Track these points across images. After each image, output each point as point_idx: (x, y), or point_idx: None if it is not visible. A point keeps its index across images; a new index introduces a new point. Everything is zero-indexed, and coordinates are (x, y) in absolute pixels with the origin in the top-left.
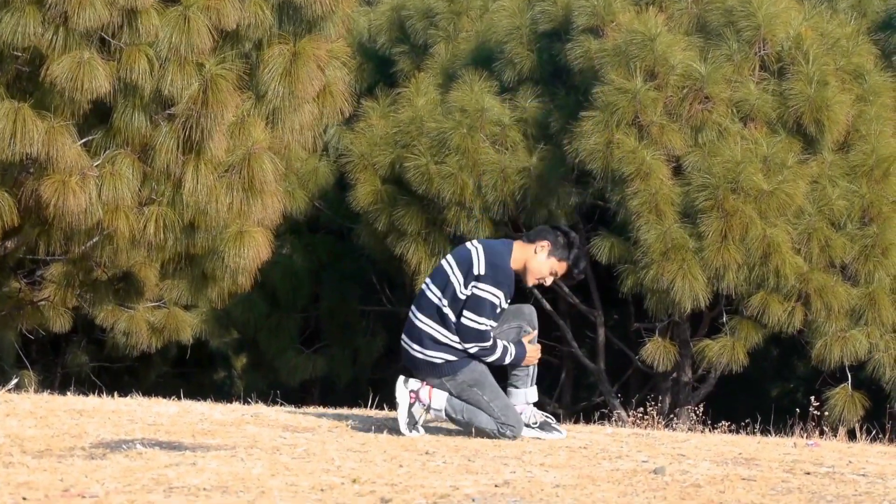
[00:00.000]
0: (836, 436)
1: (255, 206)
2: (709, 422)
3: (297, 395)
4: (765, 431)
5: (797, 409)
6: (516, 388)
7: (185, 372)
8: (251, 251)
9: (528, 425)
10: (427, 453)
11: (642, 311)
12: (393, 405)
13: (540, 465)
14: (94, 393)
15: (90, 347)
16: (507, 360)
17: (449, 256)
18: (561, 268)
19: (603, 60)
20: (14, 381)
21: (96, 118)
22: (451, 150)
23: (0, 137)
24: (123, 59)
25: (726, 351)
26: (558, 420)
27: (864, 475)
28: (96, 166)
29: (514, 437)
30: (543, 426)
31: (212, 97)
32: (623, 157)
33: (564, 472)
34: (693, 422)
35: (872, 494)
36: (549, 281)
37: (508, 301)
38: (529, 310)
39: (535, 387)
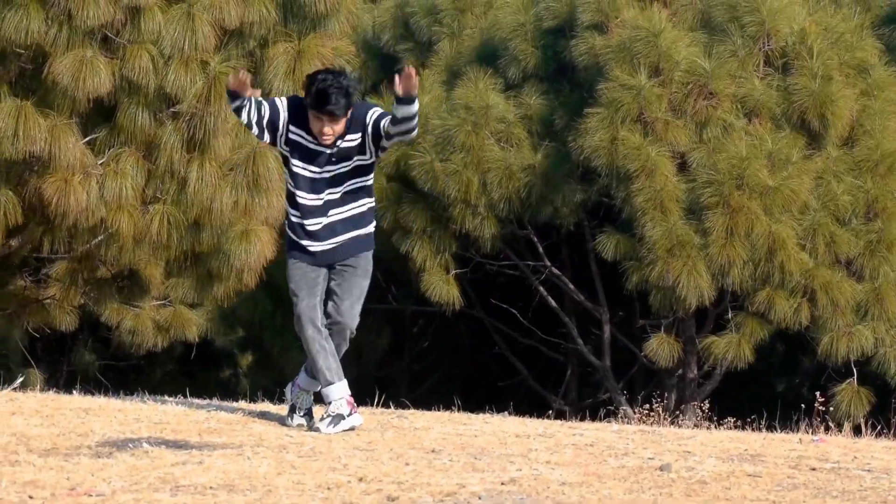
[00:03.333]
0: (841, 431)
1: (260, 205)
2: (714, 418)
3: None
4: (770, 427)
5: (803, 405)
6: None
7: (190, 370)
8: (256, 249)
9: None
10: (433, 451)
11: (647, 307)
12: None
13: (546, 462)
14: (99, 391)
15: (96, 346)
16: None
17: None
18: (313, 114)
19: (607, 57)
20: (20, 379)
21: (100, 116)
22: (455, 148)
23: (3, 135)
24: (127, 57)
25: (732, 347)
26: (563, 417)
27: (869, 470)
28: (100, 164)
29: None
30: (291, 408)
31: (216, 95)
32: (628, 154)
33: (570, 470)
34: (699, 418)
35: (877, 490)
36: (323, 130)
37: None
38: None
39: (313, 380)
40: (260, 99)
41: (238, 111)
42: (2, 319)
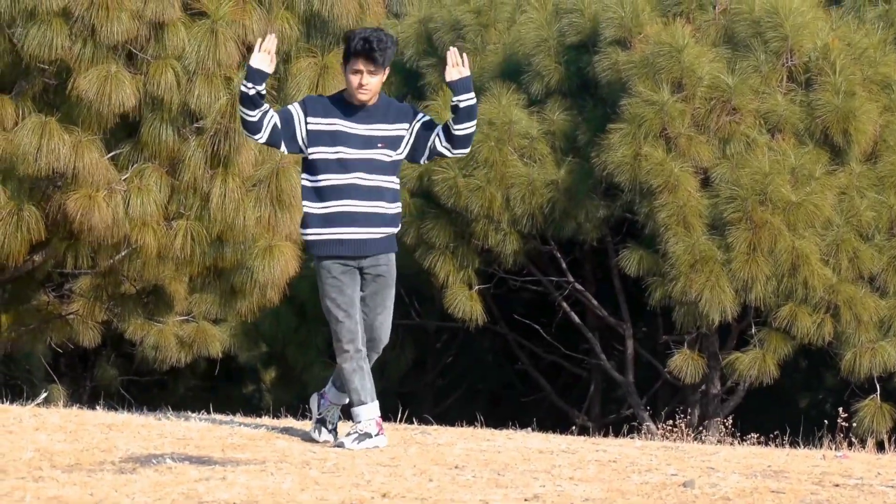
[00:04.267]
0: (864, 447)
1: (283, 221)
2: (738, 434)
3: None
4: (794, 443)
5: (826, 421)
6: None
7: (213, 385)
8: (280, 265)
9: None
10: (457, 467)
11: (671, 323)
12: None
13: (569, 478)
14: (123, 407)
15: (119, 361)
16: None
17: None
18: (352, 65)
19: (630, 72)
20: (43, 395)
21: (124, 132)
22: (479, 163)
23: (27, 151)
24: (150, 73)
25: (756, 363)
26: (586, 433)
27: (893, 486)
28: (124, 180)
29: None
30: (320, 422)
31: None
32: (651, 170)
33: (594, 486)
34: (722, 434)
35: None
36: (361, 82)
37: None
38: None
39: (342, 393)
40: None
41: (250, 102)
42: (25, 335)
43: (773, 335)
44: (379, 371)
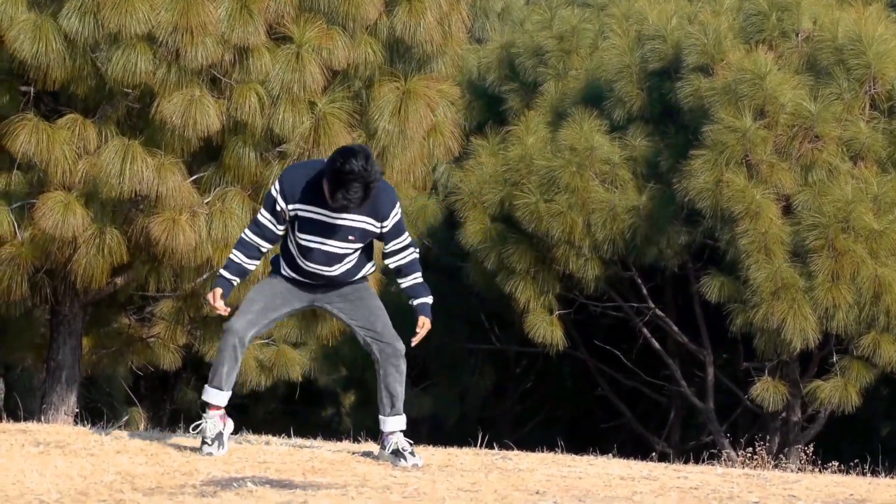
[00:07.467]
0: None
1: None
2: (818, 462)
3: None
4: (875, 472)
5: None
6: (381, 415)
7: (293, 409)
8: None
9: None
10: (538, 493)
11: (751, 350)
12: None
13: None
14: None
15: (199, 384)
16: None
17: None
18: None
19: (712, 99)
20: (124, 418)
21: (206, 155)
22: (560, 189)
23: (110, 174)
24: (234, 97)
25: (838, 391)
26: (666, 459)
27: None
28: (206, 203)
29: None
30: (395, 454)
31: (324, 135)
32: (732, 196)
33: None
34: (802, 462)
35: None
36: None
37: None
38: None
39: (394, 417)
40: (257, 223)
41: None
42: (106, 358)
43: (855, 363)
44: (459, 396)
